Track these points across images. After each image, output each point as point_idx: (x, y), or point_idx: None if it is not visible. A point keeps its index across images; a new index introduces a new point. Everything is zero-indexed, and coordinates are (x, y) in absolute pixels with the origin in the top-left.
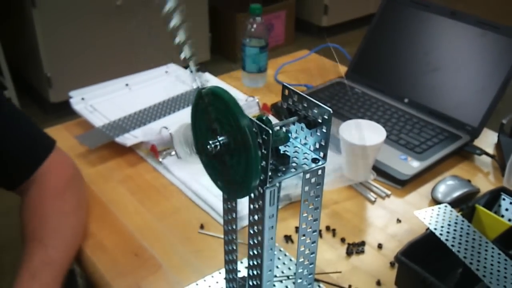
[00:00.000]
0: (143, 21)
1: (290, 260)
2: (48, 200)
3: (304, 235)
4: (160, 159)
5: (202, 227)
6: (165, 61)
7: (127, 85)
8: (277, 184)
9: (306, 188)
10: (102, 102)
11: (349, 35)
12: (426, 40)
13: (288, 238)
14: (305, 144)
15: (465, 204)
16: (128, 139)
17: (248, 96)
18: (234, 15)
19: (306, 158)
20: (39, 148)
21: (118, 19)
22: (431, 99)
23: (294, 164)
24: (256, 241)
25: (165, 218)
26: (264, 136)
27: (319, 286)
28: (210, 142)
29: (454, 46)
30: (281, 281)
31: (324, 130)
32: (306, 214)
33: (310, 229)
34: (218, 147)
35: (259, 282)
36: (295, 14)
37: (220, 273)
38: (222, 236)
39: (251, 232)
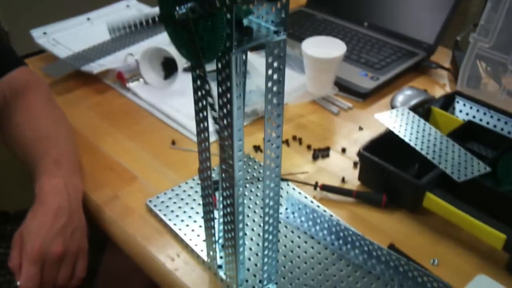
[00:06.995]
0: None
1: (260, 165)
2: (40, 104)
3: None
4: (128, 85)
5: (173, 143)
6: None
7: (88, 19)
8: (243, 57)
9: (270, 59)
10: (65, 36)
11: None
12: None
13: (257, 148)
14: (267, 21)
15: (421, 108)
16: (94, 67)
17: None
18: None
19: (268, 32)
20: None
21: None
22: (389, 20)
23: (257, 38)
24: (225, 111)
25: (137, 137)
26: (227, 1)
27: (288, 184)
28: (177, 8)
29: None
30: (252, 183)
31: (284, 1)
32: (270, 85)
33: (275, 102)
34: (186, 13)
35: (230, 153)
36: None
37: (194, 179)
38: (194, 150)
39: (221, 103)
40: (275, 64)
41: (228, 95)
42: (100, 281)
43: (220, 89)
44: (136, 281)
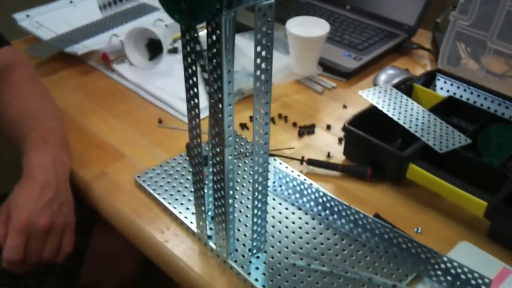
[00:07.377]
0: None
1: (247, 141)
2: (25, 82)
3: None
4: (113, 66)
5: (160, 121)
6: None
7: (71, 2)
8: (233, 14)
9: (259, 23)
10: (48, 19)
11: None
12: None
13: (243, 126)
14: None
15: (403, 85)
16: (79, 48)
17: None
18: None
19: None
20: None
21: None
22: (371, 3)
23: (246, 0)
24: (216, 75)
25: (123, 117)
26: None
27: (275, 159)
28: None
29: None
30: (239, 158)
31: None
32: (259, 49)
33: (264, 67)
34: None
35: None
36: None
37: (181, 155)
38: (181, 128)
39: (211, 68)
40: (264, 29)
41: (218, 59)
42: (88, 262)
43: (209, 53)
44: (124, 262)
